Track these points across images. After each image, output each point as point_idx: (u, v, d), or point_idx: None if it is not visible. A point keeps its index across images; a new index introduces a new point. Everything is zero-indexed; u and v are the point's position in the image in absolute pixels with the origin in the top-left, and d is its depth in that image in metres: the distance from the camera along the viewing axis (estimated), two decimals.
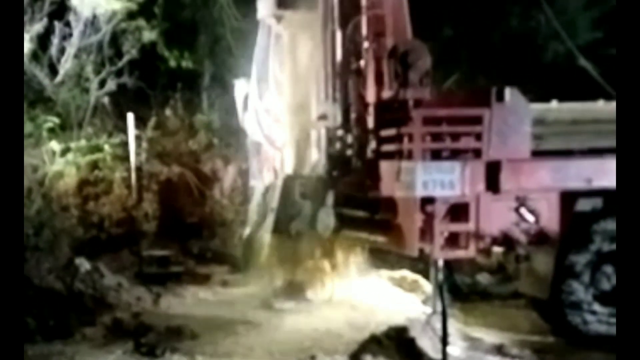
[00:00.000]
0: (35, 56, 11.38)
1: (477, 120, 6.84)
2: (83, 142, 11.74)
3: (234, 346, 7.04)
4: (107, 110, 12.40)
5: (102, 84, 12.24)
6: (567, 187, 6.95)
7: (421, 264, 8.30)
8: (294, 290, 8.63)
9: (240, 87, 9.77)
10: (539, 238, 6.88)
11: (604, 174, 6.93)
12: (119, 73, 12.28)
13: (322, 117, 8.12)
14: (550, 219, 6.93)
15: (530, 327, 7.29)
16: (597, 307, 6.95)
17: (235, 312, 8.29)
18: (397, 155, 6.99)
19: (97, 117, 12.31)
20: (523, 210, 6.84)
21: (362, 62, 8.02)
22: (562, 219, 6.98)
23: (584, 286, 6.94)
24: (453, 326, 6.81)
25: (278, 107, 9.01)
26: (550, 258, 6.99)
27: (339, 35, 8.17)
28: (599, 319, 6.92)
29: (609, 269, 7.04)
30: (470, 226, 6.77)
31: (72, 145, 11.52)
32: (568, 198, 7.02)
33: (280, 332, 7.51)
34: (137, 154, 11.00)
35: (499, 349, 6.61)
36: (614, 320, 6.93)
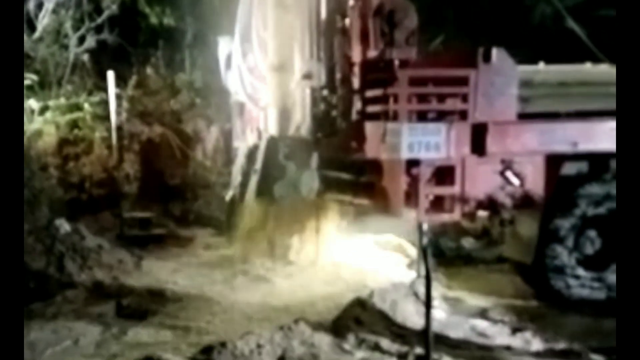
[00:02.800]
0: None
1: (463, 82, 6.74)
2: (62, 101, 11.57)
3: (216, 309, 7.02)
4: (86, 67, 12.19)
5: (81, 40, 12.02)
6: (553, 150, 6.89)
7: (406, 228, 8.26)
8: (278, 253, 8.59)
9: (224, 46, 9.57)
10: (524, 202, 6.85)
11: (590, 137, 6.90)
12: (98, 29, 12.06)
13: (307, 76, 7.97)
14: (536, 183, 6.89)
15: (514, 291, 7.31)
16: (580, 271, 6.97)
17: (217, 275, 8.26)
18: (383, 116, 6.88)
19: (76, 75, 12.12)
20: (508, 174, 6.79)
21: (347, 21, 7.84)
22: (548, 183, 6.95)
23: (568, 250, 6.94)
24: (437, 290, 6.81)
25: (262, 66, 8.83)
26: (534, 222, 6.98)
27: None
28: (581, 284, 6.94)
29: (592, 233, 7.05)
30: (456, 189, 6.72)
31: (51, 103, 11.33)
32: (554, 161, 6.97)
33: (263, 295, 7.49)
34: (118, 113, 10.82)
35: (482, 313, 6.63)
36: (596, 284, 6.98)
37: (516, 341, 5.94)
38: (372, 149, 7.04)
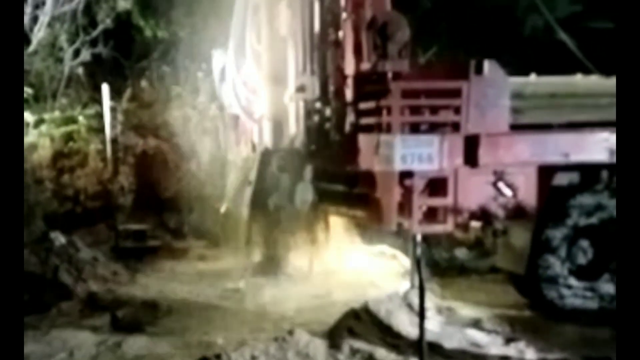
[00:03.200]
0: None
1: (456, 93, 6.80)
2: (57, 113, 11.61)
3: (211, 321, 7.02)
4: (81, 80, 12.24)
5: (76, 53, 12.05)
6: (545, 161, 6.94)
7: (399, 239, 8.30)
8: (272, 265, 8.61)
9: (218, 58, 9.62)
10: (517, 212, 6.88)
11: (581, 148, 6.96)
12: (93, 43, 12.11)
13: (300, 89, 8.03)
14: (528, 194, 6.93)
15: (507, 301, 7.33)
16: (573, 281, 7.00)
17: (212, 287, 8.27)
18: (376, 128, 6.93)
19: (71, 88, 12.17)
20: (501, 185, 6.83)
21: (340, 34, 7.91)
22: (540, 194, 6.98)
23: (560, 261, 6.97)
24: (431, 301, 6.82)
25: (255, 78, 8.89)
26: (527, 233, 7.01)
27: (317, 6, 8.06)
28: (574, 293, 6.97)
29: (585, 243, 7.09)
30: (449, 200, 6.75)
31: (46, 116, 11.37)
32: (545, 172, 7.02)
33: (258, 307, 7.50)
34: (113, 126, 10.84)
35: (476, 323, 6.65)
36: (589, 294, 7.01)
37: (510, 351, 5.96)
38: (365, 161, 7.08)
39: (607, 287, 7.06)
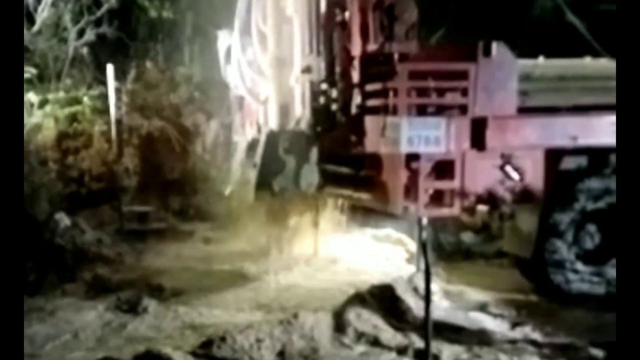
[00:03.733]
0: None
1: (463, 75, 6.71)
2: (61, 94, 11.56)
3: (216, 303, 7.01)
4: (85, 61, 12.18)
5: (80, 34, 11.99)
6: (552, 144, 6.87)
7: (405, 223, 8.26)
8: (277, 247, 8.59)
9: (223, 39, 9.54)
10: (524, 196, 6.82)
11: (589, 131, 6.88)
12: (97, 23, 12.03)
13: (306, 70, 7.95)
14: (535, 177, 6.86)
15: (513, 285, 7.30)
16: (579, 266, 6.96)
17: (217, 269, 8.26)
18: (382, 110, 6.87)
19: (75, 68, 12.12)
20: (508, 168, 6.77)
21: (347, 14, 7.81)
22: (547, 177, 6.92)
23: (567, 245, 6.93)
24: (436, 284, 6.81)
25: (261, 60, 8.81)
26: (534, 217, 6.97)
27: None
28: (581, 278, 6.93)
29: (592, 227, 7.04)
30: (455, 184, 6.69)
31: (50, 97, 11.32)
32: (553, 156, 6.95)
33: (263, 289, 7.49)
34: (117, 107, 10.82)
35: (482, 307, 6.64)
36: (596, 279, 6.97)
37: (516, 335, 5.94)
38: (371, 143, 7.03)
39: (614, 272, 7.02)
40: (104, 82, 10.89)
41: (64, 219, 9.13)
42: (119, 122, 10.82)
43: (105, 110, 10.96)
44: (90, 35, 11.93)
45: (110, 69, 10.52)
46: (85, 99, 11.56)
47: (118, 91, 11.00)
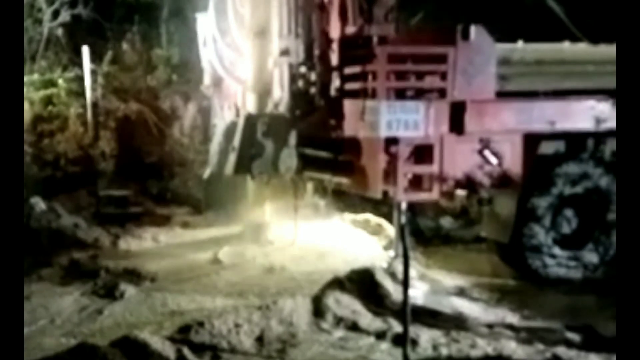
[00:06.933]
0: None
1: (442, 59, 6.70)
2: (36, 76, 11.43)
3: (194, 288, 6.97)
4: (61, 42, 12.02)
5: (55, 14, 11.82)
6: (530, 129, 6.90)
7: (384, 207, 8.25)
8: (256, 231, 8.55)
9: (202, 21, 9.43)
10: (502, 181, 6.85)
11: (567, 116, 6.93)
12: (73, 3, 11.87)
13: (285, 52, 7.87)
14: (514, 162, 6.90)
15: (492, 270, 7.35)
16: (556, 250, 7.03)
17: (195, 254, 8.21)
18: (361, 93, 6.83)
19: (50, 50, 11.96)
20: (486, 153, 6.79)
21: None
22: (525, 162, 6.95)
23: (545, 230, 6.98)
24: (415, 269, 6.83)
25: (239, 41, 8.72)
26: (512, 201, 7.00)
27: None
28: (558, 263, 7.00)
29: (569, 212, 7.10)
30: (434, 168, 6.70)
31: (25, 79, 11.11)
32: (531, 140, 6.98)
33: (241, 274, 7.46)
34: (93, 90, 10.66)
35: (460, 292, 6.67)
36: (573, 263, 7.04)
37: (493, 319, 5.97)
38: (350, 127, 7.00)
39: (591, 256, 7.09)
40: (79, 64, 10.74)
41: (39, 203, 9.02)
42: (95, 105, 10.68)
43: (81, 93, 10.82)
44: (65, 16, 11.77)
45: (85, 50, 10.37)
46: (61, 82, 11.42)
47: (94, 73, 10.85)
